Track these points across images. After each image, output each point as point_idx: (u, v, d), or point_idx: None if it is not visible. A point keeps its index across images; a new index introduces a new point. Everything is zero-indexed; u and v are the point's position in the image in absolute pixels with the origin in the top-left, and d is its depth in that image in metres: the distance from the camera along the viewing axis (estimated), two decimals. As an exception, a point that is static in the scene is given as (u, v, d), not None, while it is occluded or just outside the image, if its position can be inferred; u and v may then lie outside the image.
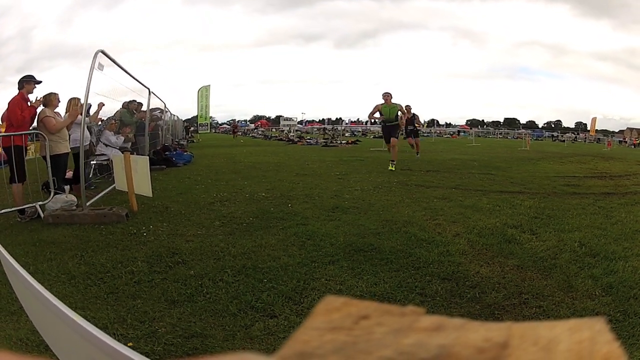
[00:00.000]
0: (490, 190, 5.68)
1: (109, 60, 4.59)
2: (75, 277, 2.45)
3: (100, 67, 4.28)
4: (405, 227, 3.56)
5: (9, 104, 4.16)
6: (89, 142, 5.45)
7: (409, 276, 2.48)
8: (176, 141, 14.89)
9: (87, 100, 4.18)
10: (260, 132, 35.85)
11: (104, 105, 5.61)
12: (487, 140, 33.98)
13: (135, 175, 4.19)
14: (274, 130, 47.91)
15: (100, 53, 4.21)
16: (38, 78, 4.30)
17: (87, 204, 4.10)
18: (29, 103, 4.26)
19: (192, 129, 29.30)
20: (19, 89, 4.21)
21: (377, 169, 8.13)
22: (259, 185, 5.80)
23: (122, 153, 4.61)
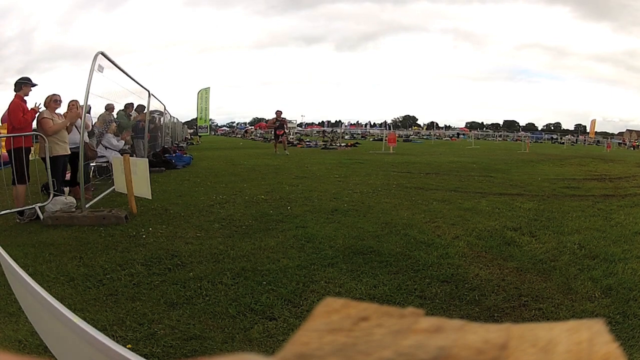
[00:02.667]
0: (489, 193, 5.69)
1: (109, 62, 4.59)
2: (75, 278, 2.44)
3: (100, 68, 4.28)
4: (404, 229, 3.56)
5: (9, 107, 4.16)
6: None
7: (408, 278, 2.48)
8: (176, 143, 14.88)
9: (86, 102, 4.18)
10: (259, 135, 35.80)
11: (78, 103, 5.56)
12: (486, 143, 34.03)
13: (135, 177, 4.18)
14: (273, 132, 47.78)
15: (100, 55, 4.22)
16: (38, 80, 4.32)
17: (87, 205, 4.09)
18: (28, 106, 4.26)
19: (191, 131, 29.28)
20: (15, 91, 4.21)
21: (376, 171, 8.13)
22: (258, 187, 5.79)
23: (122, 155, 4.61)
